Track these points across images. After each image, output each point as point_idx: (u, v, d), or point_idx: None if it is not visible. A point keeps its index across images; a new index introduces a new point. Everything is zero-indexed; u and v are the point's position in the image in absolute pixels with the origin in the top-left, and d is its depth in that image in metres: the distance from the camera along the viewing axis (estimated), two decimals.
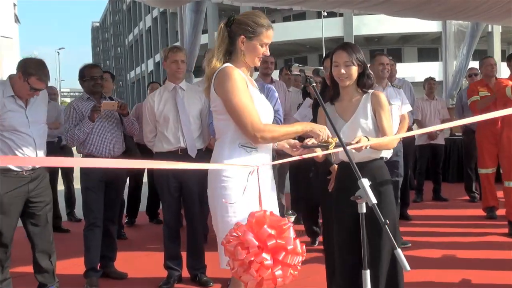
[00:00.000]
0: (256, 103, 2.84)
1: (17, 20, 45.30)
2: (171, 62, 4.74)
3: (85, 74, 4.99)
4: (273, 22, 51.75)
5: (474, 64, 8.98)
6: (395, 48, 45.61)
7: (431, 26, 38.45)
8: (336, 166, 4.05)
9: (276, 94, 4.99)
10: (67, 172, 7.74)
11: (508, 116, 5.73)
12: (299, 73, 2.66)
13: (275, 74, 6.79)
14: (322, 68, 2.54)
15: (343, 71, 3.42)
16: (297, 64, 2.68)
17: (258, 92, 2.96)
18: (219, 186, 2.83)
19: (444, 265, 5.13)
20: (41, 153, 4.27)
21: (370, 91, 3.55)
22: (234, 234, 2.33)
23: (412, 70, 35.27)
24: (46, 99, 4.52)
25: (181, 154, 4.67)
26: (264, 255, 2.27)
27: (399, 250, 2.13)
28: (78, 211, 7.26)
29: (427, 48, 46.33)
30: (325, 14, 38.66)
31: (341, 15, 41.08)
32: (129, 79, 78.03)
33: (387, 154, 3.58)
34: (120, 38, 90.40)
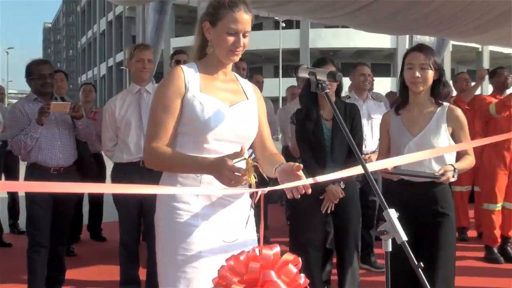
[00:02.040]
0: (190, 113, 2.21)
1: None
2: (136, 60, 4.23)
3: (32, 71, 4.32)
4: None
5: None
6: (350, 62, 46.00)
7: (385, 42, 39.17)
8: (334, 186, 3.69)
9: None
10: (10, 178, 6.94)
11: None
12: (307, 77, 2.13)
13: None
14: (339, 72, 2.04)
15: (417, 74, 3.06)
16: (306, 66, 2.16)
17: (211, 99, 2.25)
18: (170, 219, 2.27)
19: None
20: None
21: (446, 104, 3.18)
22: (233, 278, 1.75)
23: None
24: None
25: (142, 166, 4.11)
26: None
27: None
28: (22, 221, 6.57)
29: (380, 64, 47.00)
30: (283, 25, 38.61)
31: (297, 27, 41.21)
32: (80, 82, 76.33)
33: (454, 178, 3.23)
34: (73, 40, 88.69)
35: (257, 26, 46.17)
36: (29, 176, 4.21)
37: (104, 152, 4.44)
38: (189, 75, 2.26)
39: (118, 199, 4.28)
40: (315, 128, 3.85)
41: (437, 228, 3.12)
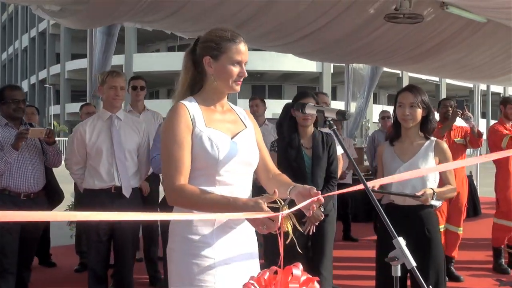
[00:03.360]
0: (200, 149, 2.27)
1: None
2: (108, 87, 4.22)
3: (5, 96, 4.31)
4: (157, 51, 51.27)
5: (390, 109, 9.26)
6: (276, 85, 46.87)
7: (310, 66, 40.06)
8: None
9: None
10: None
11: None
12: (315, 114, 2.27)
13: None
14: (348, 111, 2.21)
15: (407, 112, 3.44)
16: (312, 104, 2.32)
17: (217, 132, 2.32)
18: (185, 251, 2.29)
19: None
20: None
21: (433, 138, 3.56)
22: None
23: None
24: None
25: (114, 193, 4.18)
26: None
27: None
28: None
29: (306, 87, 48.06)
30: None
31: None
32: None
33: (437, 203, 3.58)
34: None
35: (185, 47, 46.01)
36: None
37: (70, 174, 4.42)
38: (193, 111, 2.33)
39: (87, 225, 4.27)
40: (297, 156, 4.11)
41: (423, 249, 3.44)
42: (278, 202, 2.06)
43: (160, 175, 5.06)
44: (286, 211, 2.03)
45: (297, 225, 2.07)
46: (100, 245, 4.24)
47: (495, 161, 6.62)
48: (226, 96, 2.47)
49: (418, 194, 3.32)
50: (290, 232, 2.05)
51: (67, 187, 6.09)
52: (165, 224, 4.11)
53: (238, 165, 2.33)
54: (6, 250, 4.15)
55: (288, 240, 2.04)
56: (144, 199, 4.71)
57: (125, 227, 4.18)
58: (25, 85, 58.39)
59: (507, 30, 7.63)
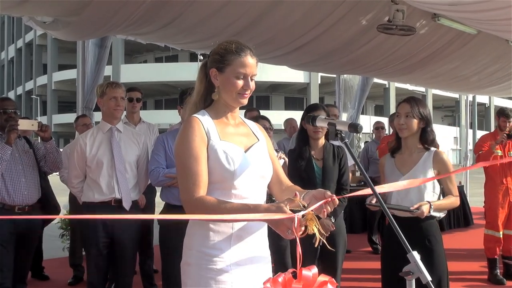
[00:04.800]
0: (215, 162, 2.26)
1: None
2: (108, 98, 4.17)
3: None
4: (145, 62, 51.20)
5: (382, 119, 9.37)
6: (264, 95, 46.96)
7: (298, 76, 40.24)
8: (326, 220, 3.95)
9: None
10: None
11: None
12: (326, 127, 2.26)
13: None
14: (360, 124, 2.18)
15: (402, 121, 3.48)
16: (323, 117, 2.30)
17: (231, 146, 2.32)
18: (201, 265, 2.27)
19: None
20: None
21: (433, 149, 3.56)
22: None
23: (279, 118, 36.34)
24: None
25: (114, 206, 4.13)
26: None
27: None
28: None
29: (294, 98, 48.23)
30: (201, 58, 38.82)
31: None
32: None
33: (438, 214, 3.59)
34: None
35: (172, 58, 46.21)
36: None
37: (70, 188, 4.37)
38: (206, 124, 2.31)
39: (87, 237, 4.21)
40: (307, 166, 4.14)
41: (425, 260, 3.38)
42: (301, 205, 2.05)
43: (156, 187, 5.08)
44: (302, 212, 1.99)
45: (321, 229, 2.04)
46: (99, 258, 4.18)
47: (485, 172, 6.71)
48: (238, 109, 2.45)
49: (413, 208, 3.32)
50: (317, 234, 2.00)
51: (60, 199, 6.05)
52: (164, 239, 4.08)
53: (252, 178, 2.32)
54: (1, 265, 4.08)
55: (317, 244, 2.07)
56: (140, 212, 4.67)
57: (125, 241, 4.14)
58: (11, 96, 57.91)
59: (496, 41, 7.73)
